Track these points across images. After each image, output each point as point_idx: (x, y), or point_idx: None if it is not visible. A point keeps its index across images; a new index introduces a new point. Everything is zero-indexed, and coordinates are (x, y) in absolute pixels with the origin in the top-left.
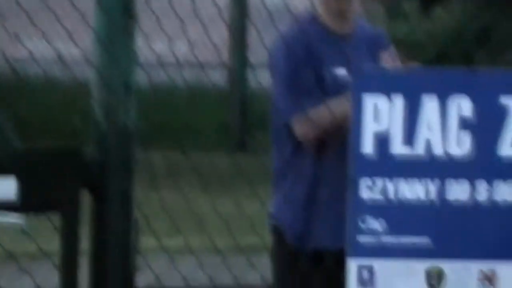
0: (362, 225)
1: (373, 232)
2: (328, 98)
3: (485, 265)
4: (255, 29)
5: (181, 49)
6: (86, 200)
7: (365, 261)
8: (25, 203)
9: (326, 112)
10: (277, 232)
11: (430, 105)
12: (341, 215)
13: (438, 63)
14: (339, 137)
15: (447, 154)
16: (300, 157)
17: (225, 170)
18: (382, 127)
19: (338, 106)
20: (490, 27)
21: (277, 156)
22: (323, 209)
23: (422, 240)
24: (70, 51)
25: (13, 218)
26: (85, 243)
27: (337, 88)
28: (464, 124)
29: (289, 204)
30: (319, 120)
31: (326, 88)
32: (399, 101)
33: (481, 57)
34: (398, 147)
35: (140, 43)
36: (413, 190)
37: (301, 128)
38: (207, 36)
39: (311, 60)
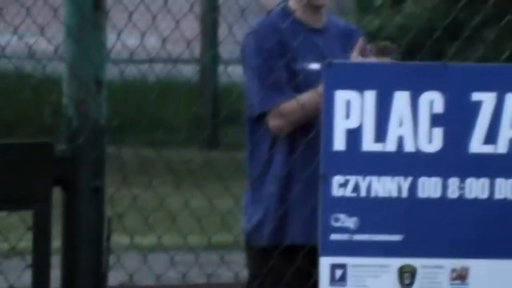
0: (334, 223)
1: (345, 230)
2: (301, 93)
3: (457, 263)
4: (226, 23)
5: (153, 44)
6: (57, 196)
7: (338, 259)
8: None
9: (297, 105)
10: (251, 247)
11: (401, 101)
12: (315, 210)
13: (409, 57)
14: (311, 132)
15: (418, 150)
16: (275, 153)
17: (197, 166)
18: (353, 123)
19: (309, 99)
20: (461, 22)
21: (251, 153)
22: (297, 206)
23: (394, 238)
24: (41, 46)
25: None
26: (57, 241)
27: (310, 83)
28: (436, 120)
29: (264, 203)
30: (291, 113)
31: (299, 83)
32: (370, 97)
33: (453, 51)
34: (369, 144)
35: (111, 38)
36: (385, 187)
37: (274, 121)
38: (178, 31)
39: (284, 54)
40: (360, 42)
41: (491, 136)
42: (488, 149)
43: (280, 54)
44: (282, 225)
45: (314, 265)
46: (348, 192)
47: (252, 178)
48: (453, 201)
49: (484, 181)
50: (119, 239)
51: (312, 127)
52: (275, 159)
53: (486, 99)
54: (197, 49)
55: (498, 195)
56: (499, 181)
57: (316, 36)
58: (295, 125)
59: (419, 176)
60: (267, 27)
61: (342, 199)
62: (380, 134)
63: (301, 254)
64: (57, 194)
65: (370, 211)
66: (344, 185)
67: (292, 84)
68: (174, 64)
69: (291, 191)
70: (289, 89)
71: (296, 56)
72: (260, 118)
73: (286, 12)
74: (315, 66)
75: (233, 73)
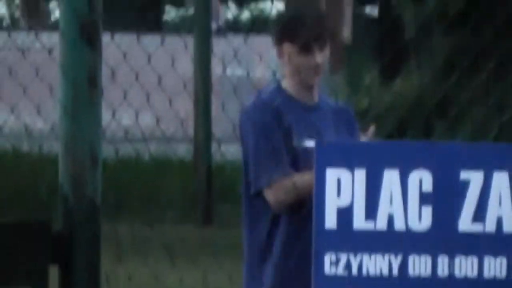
0: None
1: None
2: (298, 168)
3: None
4: (219, 102)
5: (147, 121)
6: (54, 274)
7: None
8: None
9: (294, 186)
10: None
11: (391, 179)
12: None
13: (399, 134)
14: (309, 209)
15: (408, 228)
16: (274, 234)
17: (191, 242)
18: (345, 202)
19: (307, 179)
20: (448, 99)
21: (249, 232)
22: (294, 281)
23: None
24: (37, 125)
25: None
26: None
27: (306, 159)
28: (425, 198)
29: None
30: (288, 192)
31: (296, 159)
32: (361, 175)
33: (441, 128)
34: (360, 222)
35: (106, 117)
36: (376, 266)
37: (272, 196)
38: (172, 109)
39: (281, 131)
40: (371, 130)
41: (479, 215)
42: (477, 227)
43: (277, 131)
44: None
45: None
46: (340, 270)
47: (251, 260)
48: (443, 279)
49: (473, 259)
50: None
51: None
52: (274, 241)
53: (474, 178)
54: (190, 126)
55: (487, 274)
56: (488, 259)
57: (309, 113)
58: (294, 202)
59: (409, 254)
60: (263, 105)
61: (335, 278)
62: (371, 213)
63: None
64: (53, 272)
65: None
66: (336, 263)
67: (290, 159)
68: (168, 142)
69: (291, 274)
70: (287, 165)
71: (292, 133)
72: (258, 194)
73: (280, 90)
74: (310, 143)
75: (226, 150)
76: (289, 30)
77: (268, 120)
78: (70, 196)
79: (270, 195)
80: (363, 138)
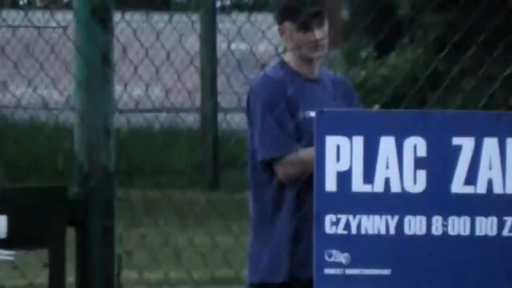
0: (328, 259)
1: (338, 265)
2: (303, 136)
3: None
4: (224, 74)
5: (157, 93)
6: (71, 235)
7: None
8: (15, 240)
9: (304, 157)
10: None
11: (388, 146)
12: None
13: (394, 105)
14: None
15: (404, 191)
16: (279, 194)
17: (200, 206)
18: (344, 166)
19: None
20: (441, 72)
21: (255, 196)
22: (301, 245)
23: (383, 272)
24: (54, 97)
25: (3, 255)
26: (71, 277)
27: (310, 127)
28: (420, 163)
29: (269, 245)
30: (299, 164)
31: (302, 130)
32: (359, 142)
33: (433, 99)
34: (359, 185)
35: (118, 89)
36: (374, 225)
37: (283, 170)
38: (180, 82)
39: (287, 104)
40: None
41: (471, 178)
42: (469, 189)
43: (282, 104)
44: (284, 261)
45: None
46: (340, 229)
47: (257, 222)
48: (437, 237)
49: (465, 219)
50: (129, 274)
51: None
52: (280, 205)
53: (465, 144)
54: (198, 98)
55: (479, 232)
56: (479, 219)
57: (312, 85)
58: (301, 174)
59: (405, 214)
60: (268, 80)
61: (335, 236)
62: (368, 176)
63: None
64: (70, 234)
65: (361, 247)
66: (336, 223)
67: (297, 132)
68: (177, 113)
69: (295, 235)
70: (293, 138)
71: (298, 106)
72: (266, 165)
73: (283, 65)
74: (313, 113)
75: (231, 120)
76: (289, 9)
77: (273, 94)
78: (85, 164)
79: (279, 170)
80: None
